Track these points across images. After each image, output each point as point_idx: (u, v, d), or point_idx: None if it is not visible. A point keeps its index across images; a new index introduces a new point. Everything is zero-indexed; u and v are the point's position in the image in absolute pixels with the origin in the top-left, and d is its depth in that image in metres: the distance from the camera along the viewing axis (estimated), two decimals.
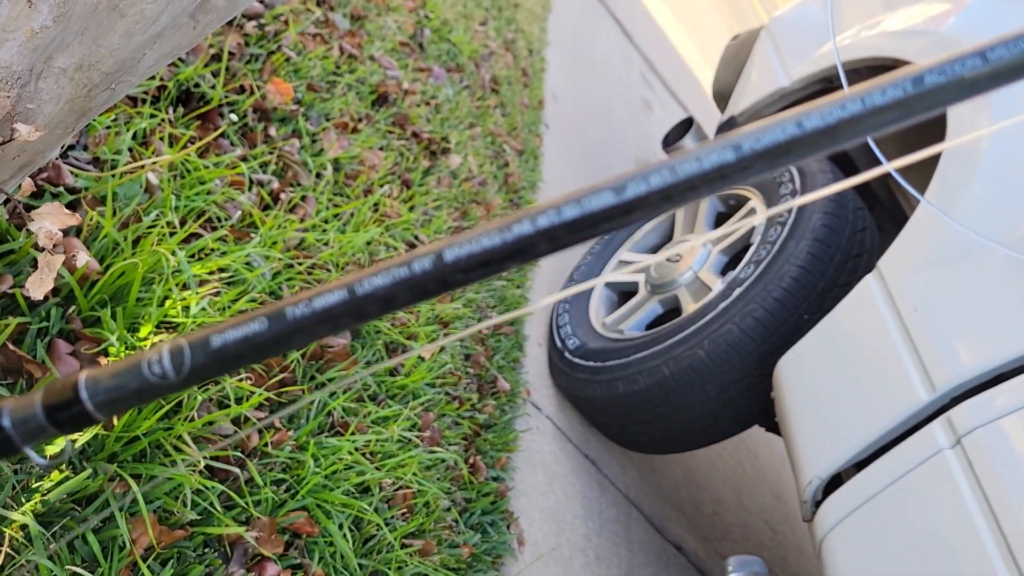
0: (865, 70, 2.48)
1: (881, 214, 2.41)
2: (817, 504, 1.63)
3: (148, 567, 1.14)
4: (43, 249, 0.86)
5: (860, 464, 1.62)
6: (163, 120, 1.55)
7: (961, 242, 1.63)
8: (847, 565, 1.46)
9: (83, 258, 0.95)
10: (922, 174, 1.79)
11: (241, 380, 1.36)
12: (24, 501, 1.07)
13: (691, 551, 2.53)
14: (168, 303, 1.32)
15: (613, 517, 2.31)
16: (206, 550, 1.24)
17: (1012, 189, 1.67)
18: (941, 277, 1.64)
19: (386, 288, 0.34)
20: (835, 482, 1.64)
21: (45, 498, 1.09)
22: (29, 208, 1.13)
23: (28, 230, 1.23)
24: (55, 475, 1.11)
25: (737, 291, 2.05)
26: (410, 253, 0.34)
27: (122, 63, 0.66)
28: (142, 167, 1.41)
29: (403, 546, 1.52)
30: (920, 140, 2.27)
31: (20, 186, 0.86)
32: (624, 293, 2.59)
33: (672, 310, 2.37)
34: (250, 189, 1.63)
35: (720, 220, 2.55)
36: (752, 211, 2.33)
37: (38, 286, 0.86)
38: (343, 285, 0.35)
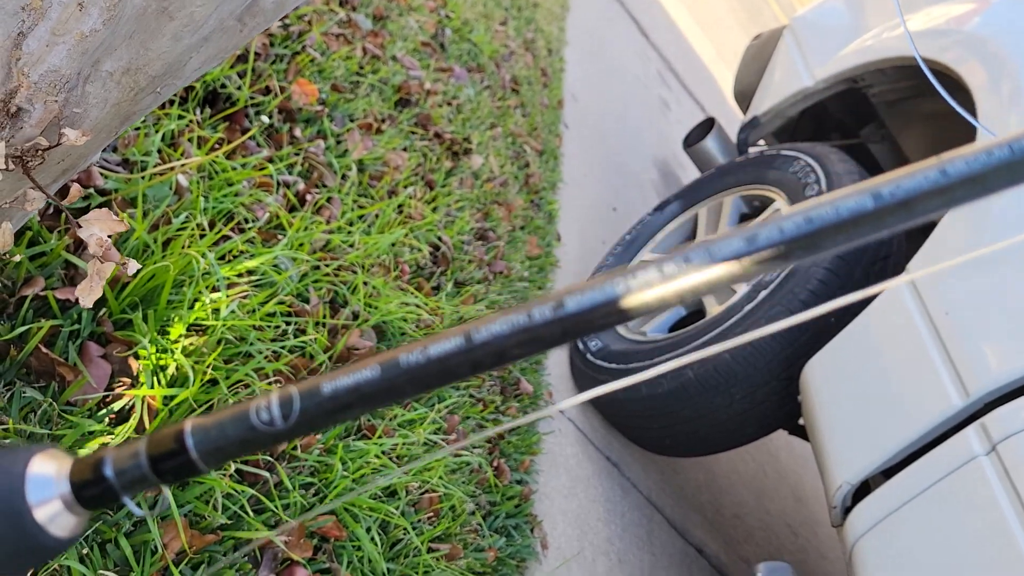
0: (890, 70, 2.46)
1: None
2: (847, 510, 1.61)
3: (180, 571, 1.14)
4: (93, 256, 0.85)
5: (888, 471, 1.60)
6: (191, 121, 1.55)
7: (991, 241, 1.61)
8: (879, 571, 1.45)
9: (133, 267, 0.95)
10: None
11: (271, 383, 1.35)
12: None
13: (713, 554, 2.51)
14: (198, 305, 1.32)
15: (635, 520, 2.30)
16: (236, 554, 1.24)
17: None
18: (973, 279, 1.62)
19: (504, 336, 0.33)
20: (865, 488, 1.63)
21: None
22: (71, 212, 1.13)
23: (60, 233, 1.24)
24: None
25: (763, 293, 2.03)
26: (529, 303, 0.33)
27: (169, 66, 0.66)
28: (171, 169, 1.41)
29: (430, 550, 1.52)
30: (948, 138, 2.25)
31: (68, 191, 0.86)
32: None
33: (696, 312, 2.36)
34: (277, 191, 1.63)
35: (744, 221, 2.53)
36: (777, 212, 2.31)
37: (87, 294, 0.85)
38: (460, 332, 0.34)
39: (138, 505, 0.40)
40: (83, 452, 1.11)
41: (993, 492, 1.35)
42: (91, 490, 0.41)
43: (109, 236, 0.86)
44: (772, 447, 3.41)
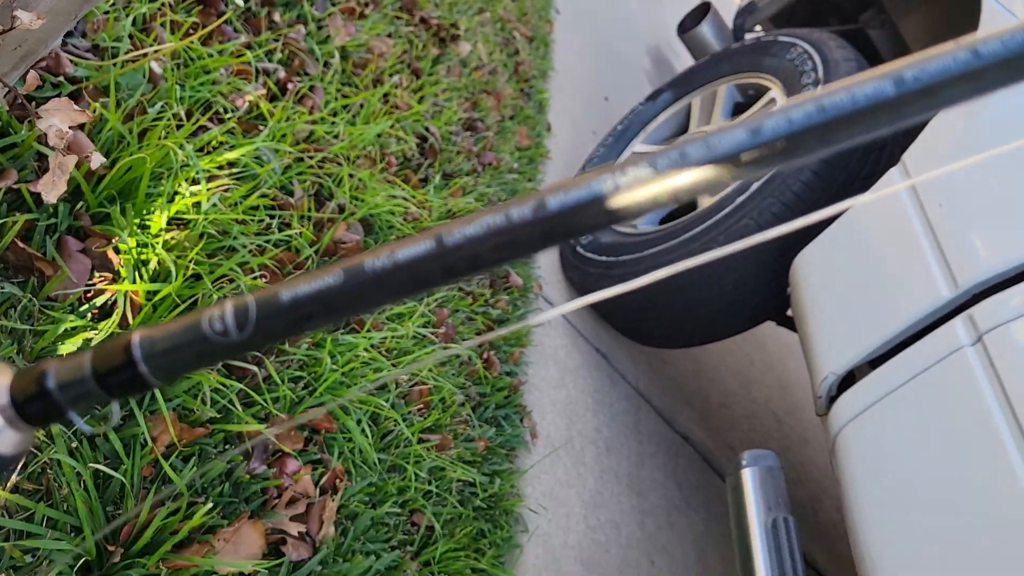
0: None
1: None
2: (832, 399, 1.63)
3: (171, 464, 1.15)
4: (54, 149, 0.81)
5: (874, 362, 1.61)
6: (163, 4, 1.47)
7: (989, 134, 1.58)
8: (862, 460, 1.47)
9: (97, 159, 0.91)
10: None
11: (256, 279, 1.33)
12: None
13: (699, 442, 2.56)
14: (178, 199, 1.28)
15: (623, 410, 2.33)
16: (227, 447, 1.25)
17: None
18: (967, 171, 1.59)
19: (479, 239, 0.30)
20: (850, 378, 1.64)
21: None
22: (31, 100, 1.08)
23: (31, 123, 1.19)
24: None
25: (755, 185, 2.01)
26: (507, 202, 0.30)
27: None
28: (144, 56, 1.35)
29: (420, 441, 1.54)
30: (952, 24, 2.18)
31: (25, 79, 0.81)
32: None
33: (687, 204, 2.33)
34: (256, 79, 1.57)
35: (739, 110, 2.47)
36: (772, 101, 2.26)
37: (51, 188, 0.82)
38: (430, 236, 0.31)
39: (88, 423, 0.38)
40: (65, 348, 1.10)
41: (977, 382, 1.36)
42: (34, 405, 0.38)
43: (71, 128, 0.82)
44: (759, 337, 3.45)
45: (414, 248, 0.31)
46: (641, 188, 0.27)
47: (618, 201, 0.27)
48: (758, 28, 3.01)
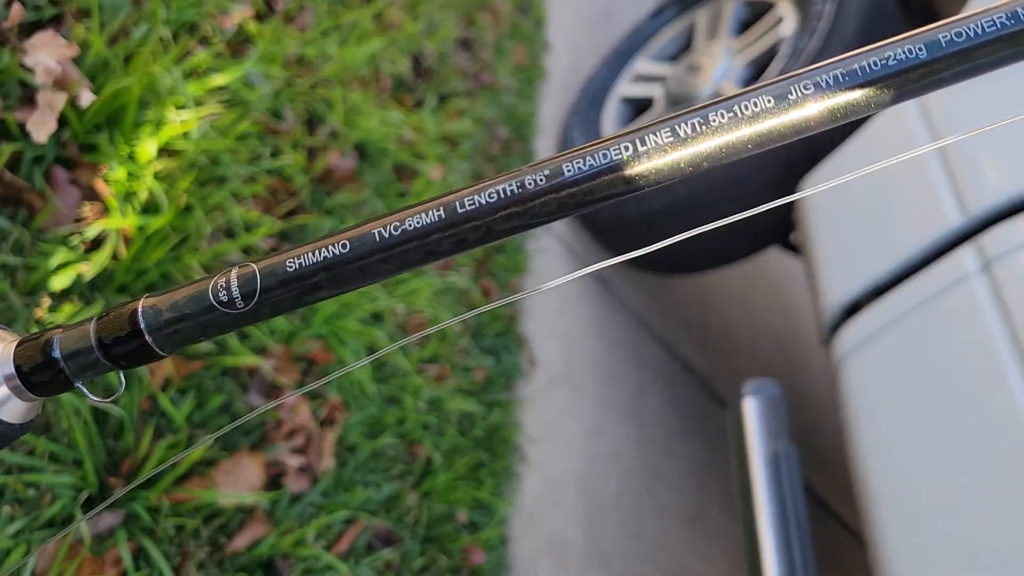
0: None
1: (920, 22, 2.26)
2: (836, 328, 1.62)
3: (169, 398, 1.14)
4: (43, 86, 0.77)
5: (880, 290, 1.59)
6: None
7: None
8: (865, 388, 1.47)
9: (87, 97, 0.86)
10: None
11: (249, 208, 1.30)
12: None
13: (699, 369, 2.57)
14: (166, 127, 1.24)
15: (623, 338, 2.33)
16: (224, 380, 1.24)
17: None
18: (980, 95, 1.54)
19: (492, 209, 0.27)
20: (856, 306, 1.63)
21: None
22: (17, 31, 1.03)
23: (13, 50, 1.14)
24: (67, 308, 1.08)
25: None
26: (520, 169, 0.27)
27: None
28: None
29: (418, 372, 1.53)
30: None
31: (9, 8, 0.76)
32: (639, 108, 2.48)
33: None
34: None
35: (745, 28, 2.39)
36: (779, 19, 2.18)
37: (40, 127, 0.78)
38: (440, 204, 0.28)
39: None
40: (58, 282, 1.07)
41: (982, 311, 1.35)
42: (39, 375, 0.37)
43: (58, 62, 0.77)
44: (762, 261, 3.42)
45: (424, 217, 0.29)
46: (662, 155, 0.24)
47: (636, 170, 0.25)
48: None
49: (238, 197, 1.32)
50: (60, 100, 0.81)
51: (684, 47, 2.55)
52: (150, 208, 1.19)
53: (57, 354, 0.37)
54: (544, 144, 2.48)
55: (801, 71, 0.27)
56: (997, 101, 1.52)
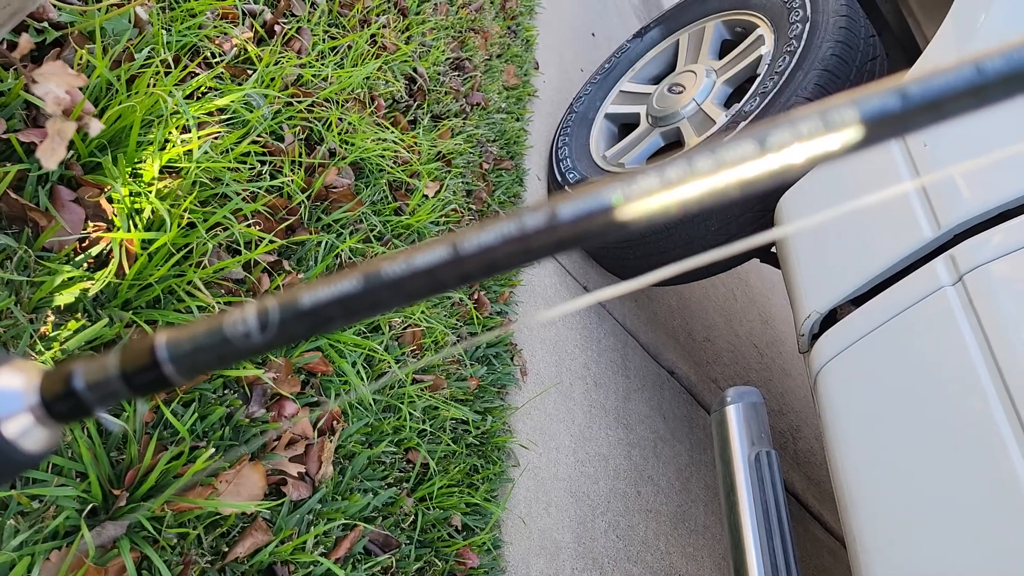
0: None
1: (892, 43, 2.33)
2: (815, 337, 1.67)
3: (171, 411, 1.17)
4: (52, 116, 0.81)
5: (857, 300, 1.65)
6: None
7: None
8: (843, 396, 1.52)
9: (96, 126, 0.90)
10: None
11: (250, 226, 1.34)
12: (44, 350, 1.08)
13: (684, 376, 2.62)
14: (169, 147, 1.28)
15: (611, 346, 2.38)
16: (226, 392, 1.27)
17: None
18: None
19: (493, 247, 0.31)
20: (833, 316, 1.68)
21: (64, 346, 1.10)
22: (11, 48, 1.07)
23: (17, 72, 1.18)
24: (72, 324, 1.11)
25: (742, 124, 2.01)
26: (520, 211, 0.32)
27: None
28: (129, 1, 1.33)
29: (414, 381, 1.57)
30: None
31: (19, 40, 0.81)
32: (625, 126, 2.54)
33: (675, 143, 2.34)
34: (243, 21, 1.55)
35: (726, 48, 2.46)
36: (760, 39, 2.25)
37: (50, 155, 0.82)
38: (447, 243, 0.32)
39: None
40: (62, 299, 1.11)
41: (956, 321, 1.40)
42: (62, 404, 0.39)
43: (67, 92, 0.82)
44: (742, 272, 3.49)
45: (431, 255, 0.33)
46: (649, 198, 0.29)
47: (627, 211, 0.29)
48: None
49: (239, 214, 1.36)
50: (69, 129, 0.85)
51: (668, 68, 2.61)
52: (153, 225, 1.23)
53: (79, 384, 0.39)
54: (535, 160, 2.54)
55: (780, 117, 0.31)
56: (970, 121, 1.58)
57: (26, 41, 0.82)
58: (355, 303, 0.34)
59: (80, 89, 1.15)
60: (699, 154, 0.29)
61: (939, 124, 0.29)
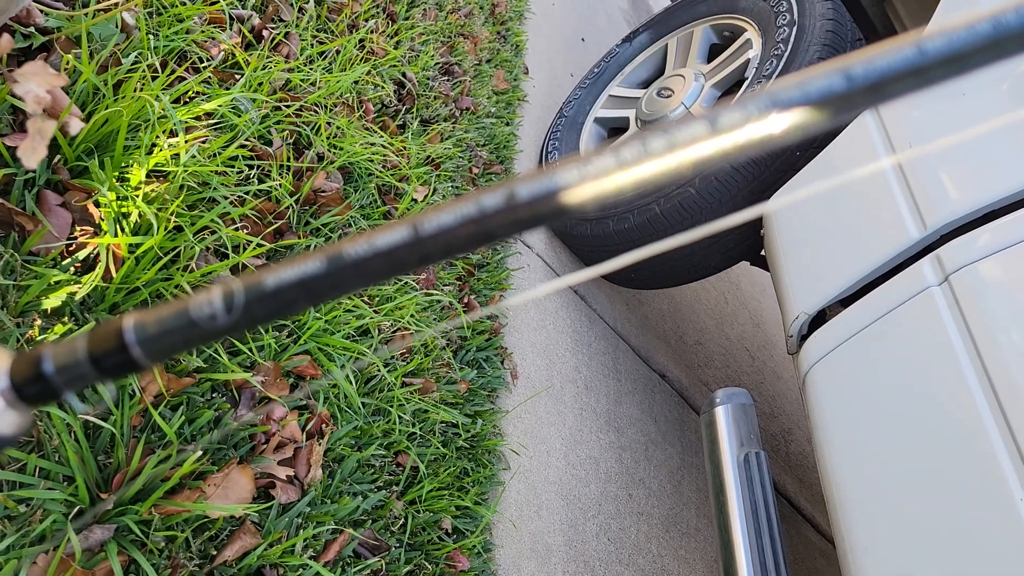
0: None
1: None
2: (803, 338, 1.68)
3: (160, 414, 1.17)
4: (32, 115, 0.81)
5: (845, 301, 1.66)
6: None
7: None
8: (831, 397, 1.52)
9: (76, 125, 0.90)
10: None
11: (237, 230, 1.35)
12: None
13: (675, 379, 2.63)
14: (157, 151, 1.29)
15: (601, 349, 2.38)
16: (214, 395, 1.27)
17: None
18: (937, 113, 1.62)
19: (452, 228, 0.32)
20: (821, 317, 1.69)
21: None
22: (7, 61, 1.07)
23: (2, 77, 1.18)
24: (59, 328, 1.11)
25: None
26: (479, 191, 0.32)
27: None
28: (116, 5, 1.34)
29: (403, 385, 1.57)
30: None
31: None
32: (614, 129, 2.55)
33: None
34: (231, 26, 1.56)
35: (714, 52, 2.47)
36: (748, 43, 2.26)
37: (31, 154, 0.82)
38: (407, 223, 0.33)
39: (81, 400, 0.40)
40: (49, 303, 1.11)
41: (943, 321, 1.40)
42: (32, 387, 0.40)
43: (48, 91, 0.82)
44: (733, 275, 3.50)
45: (391, 235, 0.33)
46: (605, 178, 0.29)
47: (583, 191, 0.30)
48: None
49: (227, 218, 1.36)
50: (50, 128, 0.85)
51: (657, 72, 2.63)
52: (140, 229, 1.23)
53: (48, 367, 0.40)
54: (524, 164, 2.55)
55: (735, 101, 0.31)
56: (952, 116, 1.59)
57: (7, 42, 0.83)
58: (319, 284, 0.34)
59: (64, 90, 1.15)
60: (653, 135, 0.29)
61: (883, 104, 0.29)
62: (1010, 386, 1.23)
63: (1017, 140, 1.51)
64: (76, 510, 1.06)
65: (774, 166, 1.94)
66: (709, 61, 2.43)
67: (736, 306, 3.34)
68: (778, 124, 0.29)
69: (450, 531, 1.53)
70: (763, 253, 2.26)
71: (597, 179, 0.30)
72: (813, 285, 1.68)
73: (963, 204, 1.50)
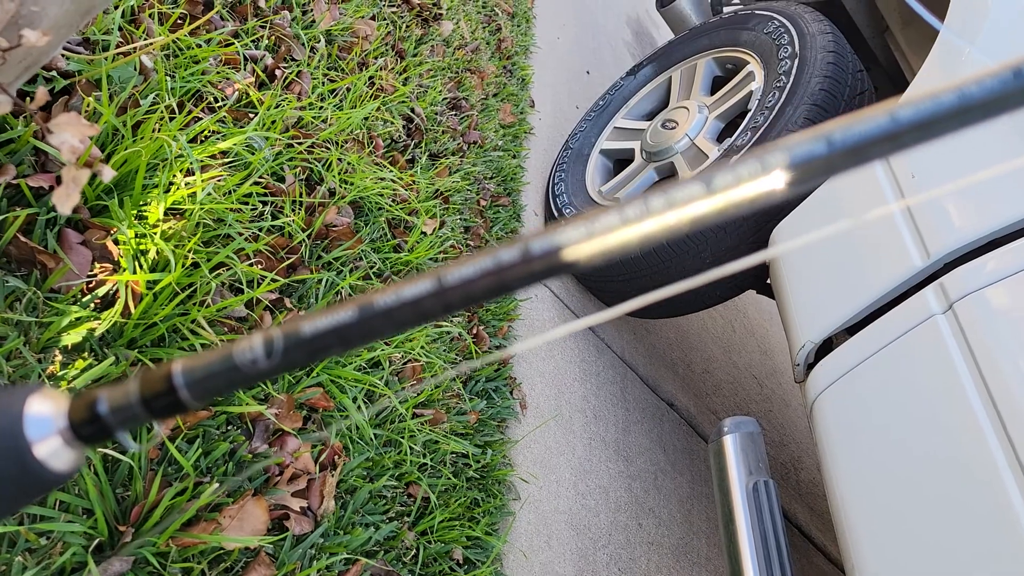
0: None
1: (880, 77, 2.38)
2: (810, 367, 1.69)
3: (176, 447, 1.19)
4: (67, 163, 0.84)
5: (851, 329, 1.67)
6: None
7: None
8: (838, 425, 1.54)
9: (108, 173, 0.94)
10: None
11: (252, 265, 1.38)
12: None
13: (683, 407, 2.64)
14: (174, 189, 1.32)
15: (610, 379, 2.40)
16: (229, 428, 1.30)
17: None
18: (938, 142, 1.64)
19: (473, 280, 0.35)
20: (827, 346, 1.70)
21: (71, 385, 1.12)
22: (25, 95, 1.11)
23: (27, 119, 1.22)
24: (79, 363, 1.14)
25: (734, 158, 2.05)
26: (497, 247, 0.35)
27: None
28: (135, 49, 1.38)
29: (414, 416, 1.59)
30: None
31: (35, 95, 0.84)
32: (620, 161, 2.58)
33: (668, 177, 2.38)
34: (245, 67, 1.60)
35: (717, 84, 2.51)
36: (750, 75, 2.30)
37: (65, 201, 0.85)
38: (431, 276, 0.36)
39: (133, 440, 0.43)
40: (70, 339, 1.14)
41: (948, 349, 1.42)
42: (88, 427, 0.43)
43: (81, 141, 0.85)
44: (740, 303, 3.52)
45: (417, 287, 0.37)
46: (611, 234, 0.32)
47: (591, 246, 0.33)
48: (736, 1, 3.04)
49: (241, 254, 1.39)
50: (84, 176, 0.89)
51: (661, 104, 2.67)
52: (158, 265, 1.26)
53: (104, 409, 0.43)
54: (531, 196, 2.58)
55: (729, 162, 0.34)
56: (954, 145, 1.62)
57: (42, 94, 0.86)
58: (351, 332, 0.38)
59: (90, 137, 1.19)
60: (653, 196, 0.32)
61: (861, 167, 0.32)
62: (1015, 412, 1.25)
63: (1019, 169, 1.53)
64: (96, 543, 1.07)
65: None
66: (712, 93, 2.47)
67: (743, 334, 3.36)
68: (766, 185, 0.32)
69: (461, 561, 1.54)
70: (769, 282, 2.28)
71: (603, 235, 0.32)
72: (818, 314, 1.69)
73: (966, 232, 1.51)
